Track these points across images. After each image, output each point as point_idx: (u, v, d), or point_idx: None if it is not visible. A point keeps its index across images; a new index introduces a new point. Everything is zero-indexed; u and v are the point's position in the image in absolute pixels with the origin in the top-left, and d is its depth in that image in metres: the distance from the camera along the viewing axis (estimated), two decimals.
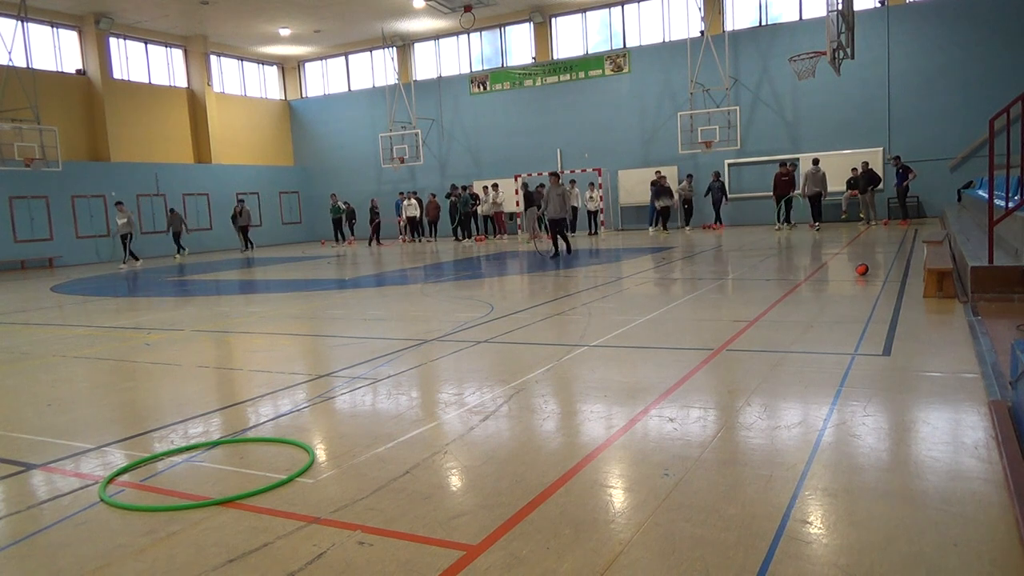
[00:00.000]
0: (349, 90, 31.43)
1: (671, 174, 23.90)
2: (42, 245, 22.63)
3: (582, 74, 26.25)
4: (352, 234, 28.13)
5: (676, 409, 4.30)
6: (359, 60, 31.14)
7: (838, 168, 21.29)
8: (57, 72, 24.27)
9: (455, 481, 3.45)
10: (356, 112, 30.66)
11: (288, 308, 10.16)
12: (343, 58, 31.44)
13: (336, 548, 2.77)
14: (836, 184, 21.22)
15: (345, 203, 27.47)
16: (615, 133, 25.77)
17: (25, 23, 22.07)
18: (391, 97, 29.10)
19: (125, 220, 20.87)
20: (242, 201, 25.72)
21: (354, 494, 3.27)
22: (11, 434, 4.56)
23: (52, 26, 24.23)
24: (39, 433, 4.55)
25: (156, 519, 3.14)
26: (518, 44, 27.98)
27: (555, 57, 27.02)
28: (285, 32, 27.57)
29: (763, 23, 23.96)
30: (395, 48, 29.28)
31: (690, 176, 23.13)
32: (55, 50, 24.43)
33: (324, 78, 32.15)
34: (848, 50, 16.91)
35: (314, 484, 3.44)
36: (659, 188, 22.41)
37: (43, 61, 23.85)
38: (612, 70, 25.76)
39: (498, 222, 25.16)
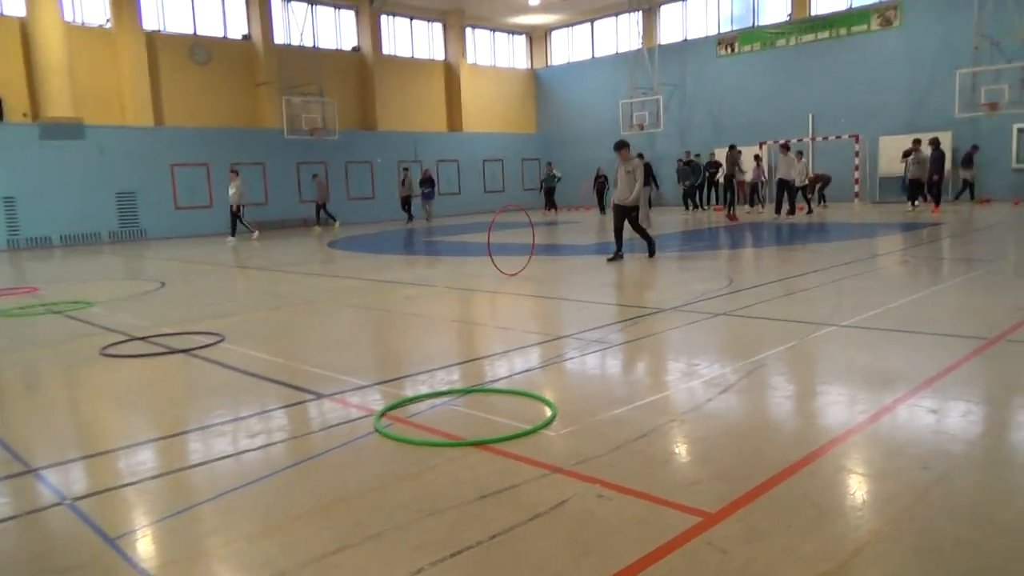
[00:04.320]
0: (593, 57, 31.65)
1: (945, 140, 20.80)
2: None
3: (844, 31, 24.05)
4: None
5: (938, 400, 3.93)
6: (604, 26, 31.19)
7: None
8: (336, 50, 27.16)
9: (690, 449, 3.48)
10: (598, 79, 30.82)
11: (529, 269, 10.52)
12: (589, 24, 31.68)
13: (577, 498, 2.95)
14: None
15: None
16: (878, 95, 23.31)
17: (313, 5, 24.95)
18: (634, 63, 28.83)
19: None
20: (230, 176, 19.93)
21: (593, 450, 3.44)
22: (305, 367, 5.35)
23: (335, 8, 27.07)
24: (325, 368, 5.29)
25: (419, 452, 3.55)
26: (772, 1, 26.26)
27: (813, 13, 25.01)
28: (535, 1, 28.33)
29: None
30: (641, 12, 28.90)
31: (800, 153, 19.69)
32: (336, 29, 27.33)
33: (569, 46, 32.67)
34: None
35: (556, 437, 3.66)
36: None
37: (326, 40, 26.83)
38: (880, 24, 23.29)
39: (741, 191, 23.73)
